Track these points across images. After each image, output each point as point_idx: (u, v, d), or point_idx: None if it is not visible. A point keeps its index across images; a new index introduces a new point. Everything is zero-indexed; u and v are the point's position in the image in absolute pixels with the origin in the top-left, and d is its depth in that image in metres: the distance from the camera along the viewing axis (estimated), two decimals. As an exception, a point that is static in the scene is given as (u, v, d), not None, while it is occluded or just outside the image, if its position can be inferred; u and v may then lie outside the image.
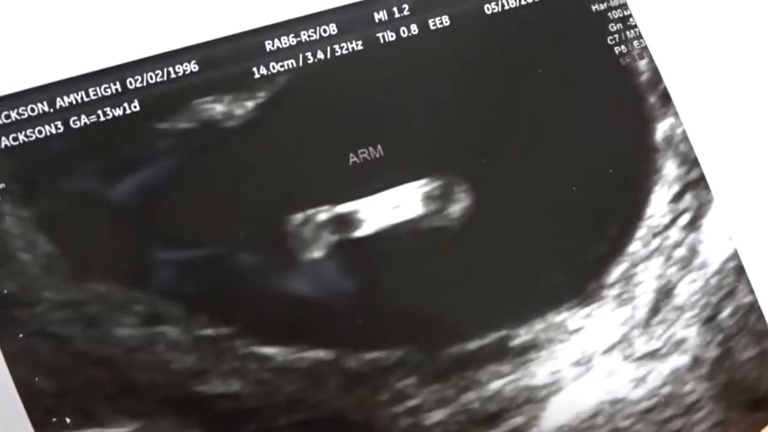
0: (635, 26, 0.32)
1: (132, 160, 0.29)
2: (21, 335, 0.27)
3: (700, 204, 0.31)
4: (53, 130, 0.28)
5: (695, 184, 0.31)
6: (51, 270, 0.28)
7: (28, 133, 0.28)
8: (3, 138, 0.28)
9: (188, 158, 0.29)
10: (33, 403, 0.27)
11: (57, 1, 0.29)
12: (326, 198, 0.29)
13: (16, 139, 0.28)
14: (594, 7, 0.32)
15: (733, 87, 0.32)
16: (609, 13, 0.32)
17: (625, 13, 0.32)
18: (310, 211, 0.29)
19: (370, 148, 0.30)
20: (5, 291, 0.27)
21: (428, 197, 0.30)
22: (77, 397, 0.27)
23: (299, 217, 0.29)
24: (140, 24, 0.29)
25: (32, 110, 0.28)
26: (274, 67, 0.30)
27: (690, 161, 0.31)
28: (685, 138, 0.31)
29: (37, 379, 0.27)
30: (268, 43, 0.30)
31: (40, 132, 0.28)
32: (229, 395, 0.28)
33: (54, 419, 0.27)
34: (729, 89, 0.32)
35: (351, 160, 0.30)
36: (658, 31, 0.32)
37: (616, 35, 0.32)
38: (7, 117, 0.28)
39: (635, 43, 0.32)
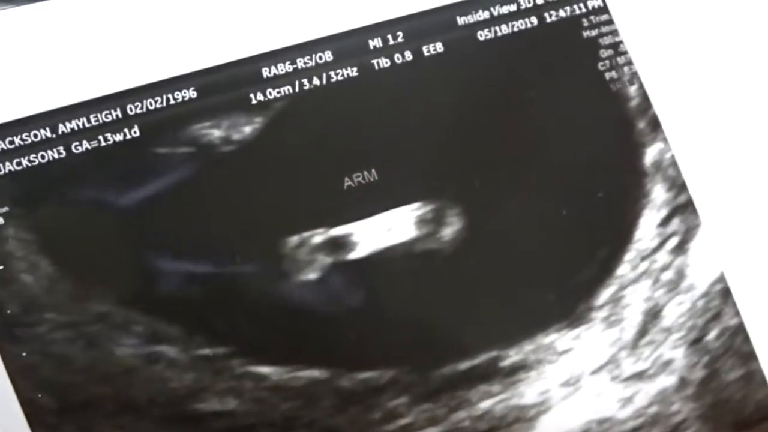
0: (626, 52, 0.33)
1: (132, 184, 0.29)
2: (24, 354, 0.28)
3: (688, 228, 0.32)
4: (55, 155, 0.29)
5: (683, 208, 0.32)
6: (52, 291, 0.28)
7: (31, 158, 0.29)
8: (7, 163, 0.29)
9: (186, 183, 0.30)
10: (36, 419, 0.28)
11: (58, 30, 0.30)
12: (321, 221, 0.30)
13: (19, 163, 0.29)
14: (585, 34, 0.33)
15: (721, 113, 0.33)
16: (600, 40, 0.33)
17: (616, 40, 0.33)
18: (306, 234, 0.30)
19: (365, 172, 0.31)
20: (8, 311, 0.28)
21: (421, 220, 0.30)
22: (79, 414, 0.28)
23: (295, 239, 0.30)
24: (140, 52, 0.30)
25: (35, 136, 0.29)
26: (270, 93, 0.31)
27: (678, 186, 0.32)
28: (673, 163, 0.32)
29: (40, 396, 0.28)
30: (265, 70, 0.31)
31: (42, 157, 0.29)
32: (226, 413, 0.28)
33: (56, 435, 0.28)
34: (717, 115, 0.33)
35: (346, 184, 0.31)
36: (648, 58, 0.33)
37: (607, 61, 0.33)
38: (11, 142, 0.29)
39: (626, 69, 0.33)
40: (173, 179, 0.30)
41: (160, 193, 0.29)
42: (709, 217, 0.31)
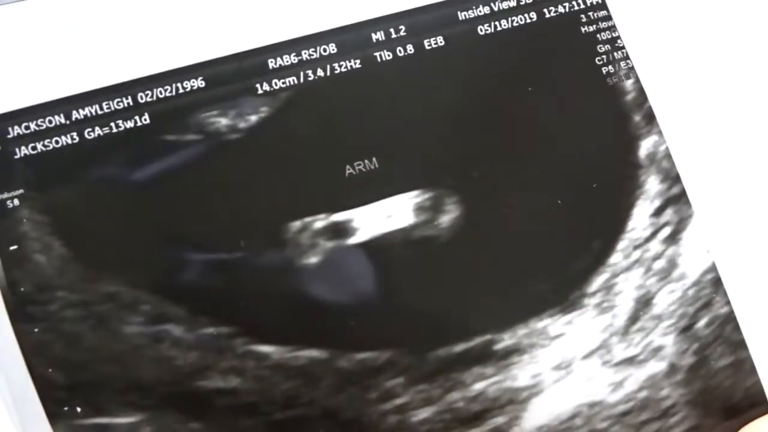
0: (623, 47, 0.34)
1: (141, 170, 0.31)
2: (36, 330, 0.29)
3: (681, 218, 0.32)
4: (69, 141, 0.30)
5: (676, 199, 0.32)
6: (64, 271, 0.30)
7: (45, 143, 0.30)
8: (23, 147, 0.30)
9: (193, 169, 0.31)
10: (46, 393, 0.29)
11: (72, 20, 0.31)
12: (323, 207, 0.31)
13: (34, 148, 0.30)
14: (584, 29, 0.34)
15: (715, 106, 0.33)
16: (598, 35, 0.34)
17: (614, 35, 0.34)
18: (308, 219, 0.31)
19: (366, 161, 0.32)
20: (22, 289, 0.29)
21: (420, 208, 0.31)
22: (87, 390, 0.29)
23: (297, 224, 0.31)
24: (151, 42, 0.32)
25: (50, 122, 0.30)
26: (276, 84, 0.32)
27: (672, 177, 0.33)
28: (667, 155, 0.33)
29: (50, 371, 0.29)
30: (271, 61, 0.32)
31: (56, 142, 0.30)
32: (228, 391, 0.29)
33: (66, 408, 0.29)
34: (711, 109, 0.33)
35: (347, 172, 0.32)
36: (645, 53, 0.34)
37: (604, 56, 0.34)
38: (27, 128, 0.30)
39: (622, 64, 0.34)
40: (181, 166, 0.31)
41: (167, 179, 0.31)
42: (701, 207, 0.32)
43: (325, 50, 0.32)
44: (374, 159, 0.32)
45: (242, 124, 0.31)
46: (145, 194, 0.30)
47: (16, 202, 0.30)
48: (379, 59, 0.33)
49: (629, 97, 0.33)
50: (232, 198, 0.31)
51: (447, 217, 0.31)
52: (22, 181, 0.30)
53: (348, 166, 0.32)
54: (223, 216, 0.31)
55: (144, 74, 0.31)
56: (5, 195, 0.30)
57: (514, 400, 0.30)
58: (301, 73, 0.32)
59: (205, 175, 0.31)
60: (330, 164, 0.32)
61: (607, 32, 0.34)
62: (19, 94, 0.31)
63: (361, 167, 0.32)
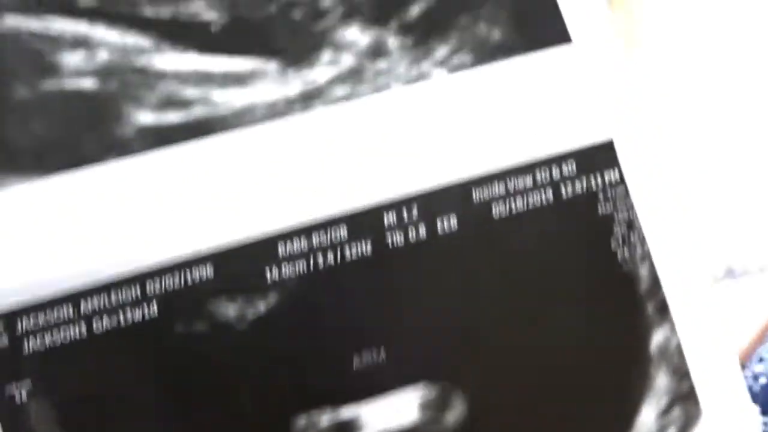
0: (639, 229, 0.33)
1: (149, 365, 0.31)
2: None
3: (688, 418, 0.32)
4: (77, 336, 0.30)
5: (685, 397, 0.32)
6: (72, 467, 0.30)
7: (53, 336, 0.30)
8: (31, 340, 0.30)
9: (201, 362, 0.31)
10: None
11: (79, 209, 0.31)
12: (329, 400, 0.31)
13: (43, 342, 0.30)
14: (600, 210, 0.33)
15: (729, 301, 0.33)
16: (615, 215, 0.33)
17: (630, 216, 0.33)
18: (313, 414, 0.31)
19: (374, 351, 0.32)
20: (30, 486, 0.30)
21: (426, 404, 0.31)
22: None
23: (302, 421, 0.31)
24: (159, 231, 0.31)
25: (58, 315, 0.30)
26: (285, 271, 0.32)
27: (682, 374, 0.32)
28: (679, 350, 0.32)
29: None
30: (281, 246, 0.32)
31: (65, 337, 0.30)
32: None
33: None
34: (726, 302, 0.33)
35: (354, 363, 0.31)
36: (661, 236, 0.33)
37: (620, 238, 0.33)
38: (35, 322, 0.30)
39: (638, 248, 0.33)
40: (189, 360, 0.31)
41: (175, 375, 0.31)
42: (710, 408, 0.32)
43: (336, 233, 0.32)
44: (382, 349, 0.32)
45: (250, 313, 0.31)
46: (154, 392, 0.30)
47: (24, 396, 0.30)
48: (390, 244, 0.32)
49: (643, 285, 0.33)
50: (237, 391, 0.31)
51: (453, 414, 0.31)
52: (30, 374, 0.30)
53: (355, 357, 0.31)
54: (228, 410, 0.31)
55: (153, 263, 0.31)
56: (14, 389, 0.30)
57: None
58: (311, 259, 0.32)
59: (211, 369, 0.31)
60: (337, 354, 0.31)
61: (624, 212, 0.33)
62: (27, 287, 0.31)
63: (368, 358, 0.31)
